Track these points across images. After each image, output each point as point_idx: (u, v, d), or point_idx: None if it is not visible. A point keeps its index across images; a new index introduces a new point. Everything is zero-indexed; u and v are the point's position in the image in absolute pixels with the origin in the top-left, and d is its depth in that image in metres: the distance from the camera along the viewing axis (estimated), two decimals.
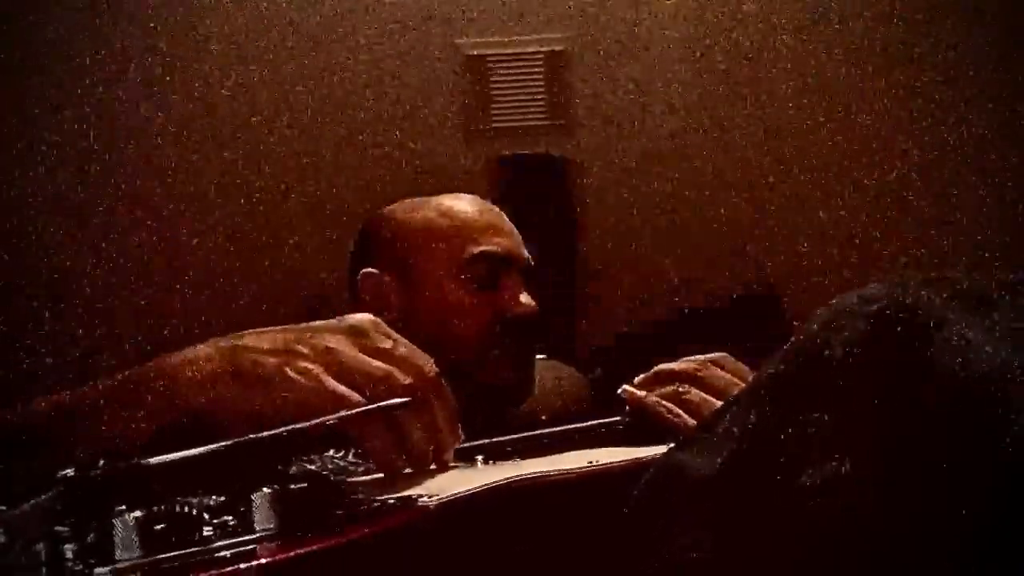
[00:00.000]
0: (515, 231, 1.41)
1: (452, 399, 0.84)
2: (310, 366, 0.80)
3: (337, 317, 0.86)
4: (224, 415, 0.79)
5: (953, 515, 0.56)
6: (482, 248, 1.34)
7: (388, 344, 0.83)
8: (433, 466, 0.82)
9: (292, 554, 0.54)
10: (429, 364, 0.83)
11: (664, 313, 2.62)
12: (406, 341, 0.85)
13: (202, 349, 0.84)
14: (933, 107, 2.74)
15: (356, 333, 0.83)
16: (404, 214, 1.43)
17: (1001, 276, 0.67)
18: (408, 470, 0.80)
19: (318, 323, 0.85)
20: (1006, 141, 2.71)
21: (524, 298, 1.34)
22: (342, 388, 0.79)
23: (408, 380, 0.80)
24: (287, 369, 0.80)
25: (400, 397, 0.79)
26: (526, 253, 1.39)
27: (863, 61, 2.76)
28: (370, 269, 1.39)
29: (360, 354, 0.81)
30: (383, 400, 0.79)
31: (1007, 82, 2.72)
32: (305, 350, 0.81)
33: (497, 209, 1.44)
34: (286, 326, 0.85)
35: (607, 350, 2.56)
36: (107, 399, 0.83)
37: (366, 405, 0.78)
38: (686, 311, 2.63)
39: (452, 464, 0.85)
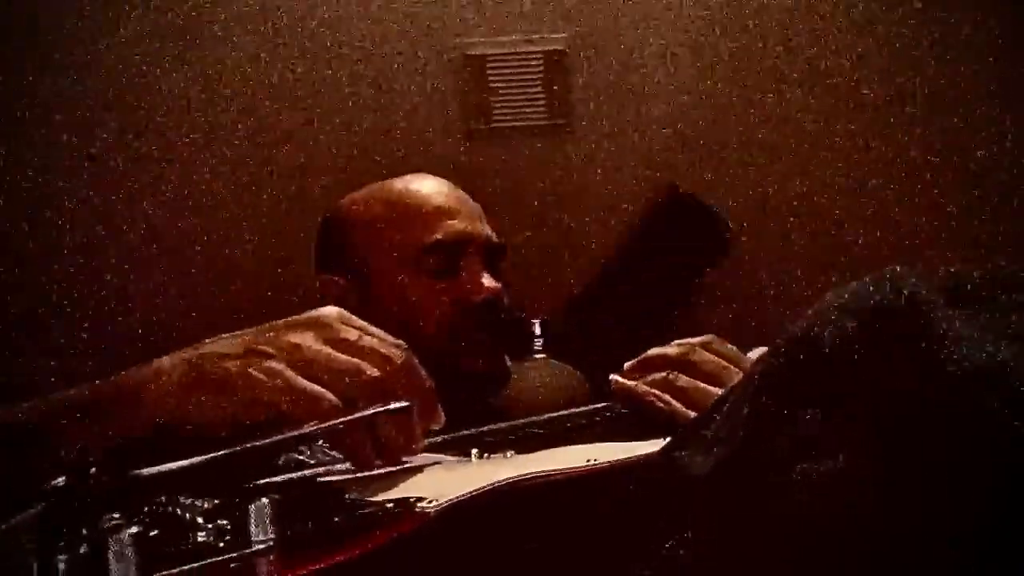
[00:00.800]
0: (472, 209, 1.35)
1: (426, 382, 0.82)
2: (275, 365, 0.78)
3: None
4: (194, 423, 0.78)
5: (950, 512, 0.56)
6: (434, 237, 1.29)
7: (354, 335, 0.81)
8: (407, 460, 0.81)
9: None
10: (398, 351, 0.81)
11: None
12: (376, 330, 0.83)
13: (166, 361, 0.83)
14: (935, 99, 2.73)
15: (321, 326, 0.82)
16: (353, 212, 1.38)
17: (997, 270, 0.66)
18: (384, 469, 0.79)
19: (281, 321, 0.83)
20: (1007, 134, 2.70)
21: (486, 281, 1.28)
22: (310, 385, 0.77)
23: (375, 372, 0.79)
24: (251, 371, 0.78)
25: (369, 389, 0.78)
26: (486, 231, 1.33)
27: (865, 59, 2.75)
28: (326, 275, 1.37)
29: (325, 348, 0.80)
30: (352, 394, 0.77)
31: (1010, 75, 2.71)
32: (269, 349, 0.79)
33: (449, 188, 1.37)
34: (249, 329, 0.84)
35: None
36: (72, 412, 0.82)
37: (335, 401, 0.76)
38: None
39: (446, 457, 0.85)
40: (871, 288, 0.64)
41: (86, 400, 0.83)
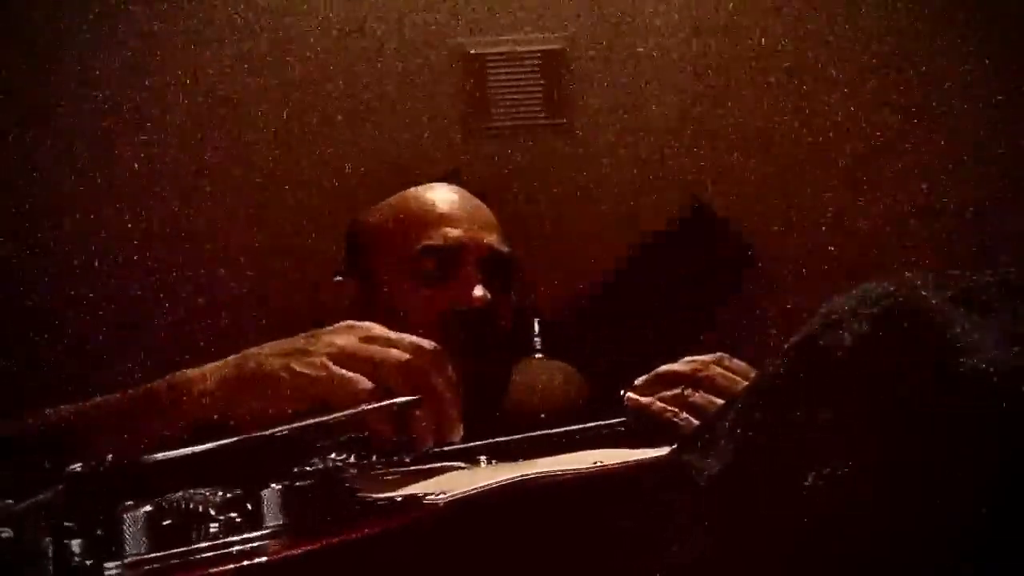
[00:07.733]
0: (478, 218, 1.36)
1: (452, 373, 0.87)
2: (315, 359, 0.84)
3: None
4: (237, 419, 0.83)
5: (956, 516, 0.56)
6: (426, 243, 1.30)
7: (387, 332, 0.89)
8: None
9: (301, 551, 0.54)
10: (428, 342, 0.88)
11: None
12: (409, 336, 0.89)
13: (211, 364, 0.89)
14: (938, 99, 2.73)
15: (357, 328, 0.89)
16: (368, 217, 1.42)
17: (1007, 274, 0.67)
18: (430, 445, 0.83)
19: (319, 329, 0.90)
20: (1008, 135, 2.70)
21: (476, 291, 1.28)
22: (347, 372, 0.83)
23: (406, 356, 0.85)
24: (293, 364, 0.84)
25: (399, 375, 0.83)
26: (489, 240, 1.33)
27: (874, 57, 2.75)
28: (339, 278, 1.39)
29: (360, 343, 0.86)
30: (386, 381, 0.83)
31: (1011, 74, 2.71)
32: (309, 347, 0.86)
33: (460, 197, 1.38)
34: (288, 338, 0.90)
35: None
36: (121, 411, 0.87)
37: (370, 386, 0.82)
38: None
39: (457, 464, 0.86)
40: (881, 292, 0.64)
41: (126, 403, 0.88)
